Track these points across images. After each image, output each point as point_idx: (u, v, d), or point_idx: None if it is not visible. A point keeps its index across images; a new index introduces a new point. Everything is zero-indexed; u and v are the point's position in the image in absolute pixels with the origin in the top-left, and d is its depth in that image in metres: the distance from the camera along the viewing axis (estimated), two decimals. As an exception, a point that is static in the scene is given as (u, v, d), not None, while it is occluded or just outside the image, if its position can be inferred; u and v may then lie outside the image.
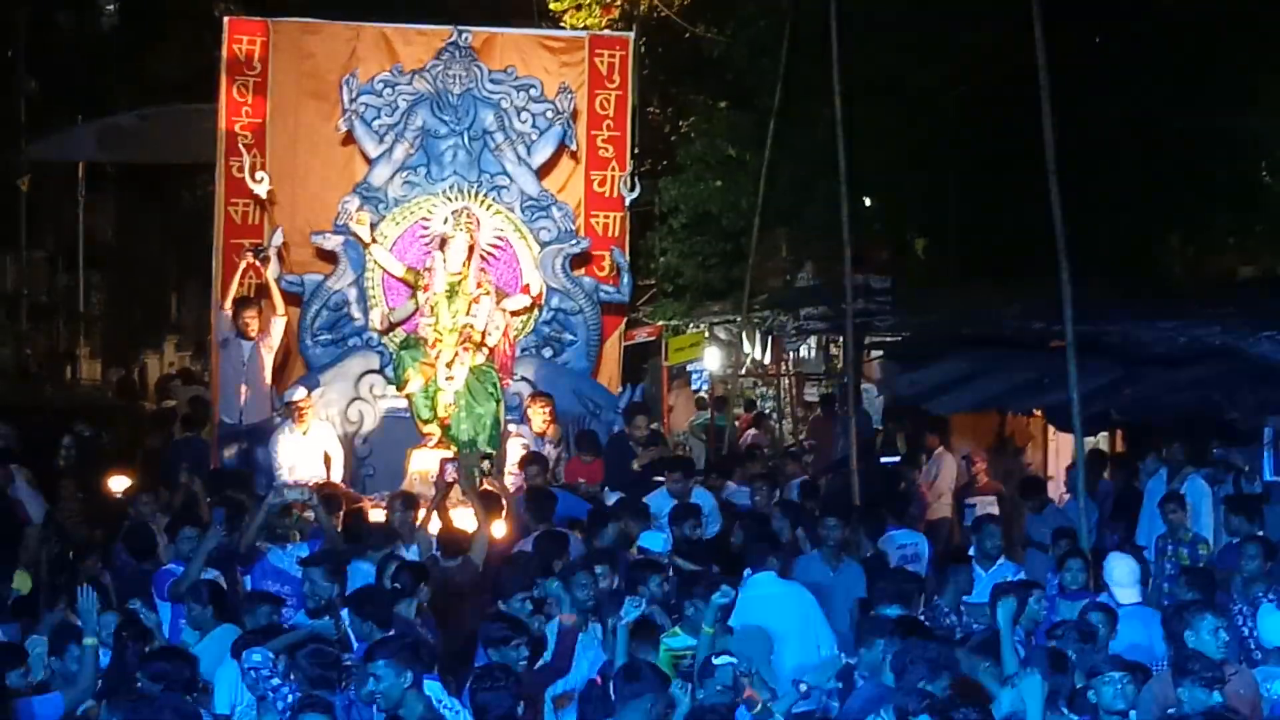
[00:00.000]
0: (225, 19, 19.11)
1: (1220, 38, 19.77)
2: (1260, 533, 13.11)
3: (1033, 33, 14.10)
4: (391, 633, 9.87)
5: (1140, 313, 17.44)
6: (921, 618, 10.82)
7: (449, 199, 17.84)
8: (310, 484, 15.16)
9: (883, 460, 19.06)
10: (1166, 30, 19.85)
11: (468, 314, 16.82)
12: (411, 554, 12.79)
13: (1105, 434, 18.86)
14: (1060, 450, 19.92)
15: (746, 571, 11.86)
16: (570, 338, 18.21)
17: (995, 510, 16.56)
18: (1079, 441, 14.59)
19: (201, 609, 10.98)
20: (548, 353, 18.16)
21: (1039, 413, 19.02)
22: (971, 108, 21.08)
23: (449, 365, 16.63)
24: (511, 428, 16.96)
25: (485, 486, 15.61)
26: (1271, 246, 22.24)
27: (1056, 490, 18.47)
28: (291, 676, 9.09)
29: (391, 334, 17.67)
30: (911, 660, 8.86)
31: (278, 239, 17.74)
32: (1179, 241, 22.84)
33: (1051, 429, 19.88)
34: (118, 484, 16.49)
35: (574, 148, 18.54)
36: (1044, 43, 14.11)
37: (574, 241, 18.21)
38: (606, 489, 15.87)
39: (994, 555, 13.21)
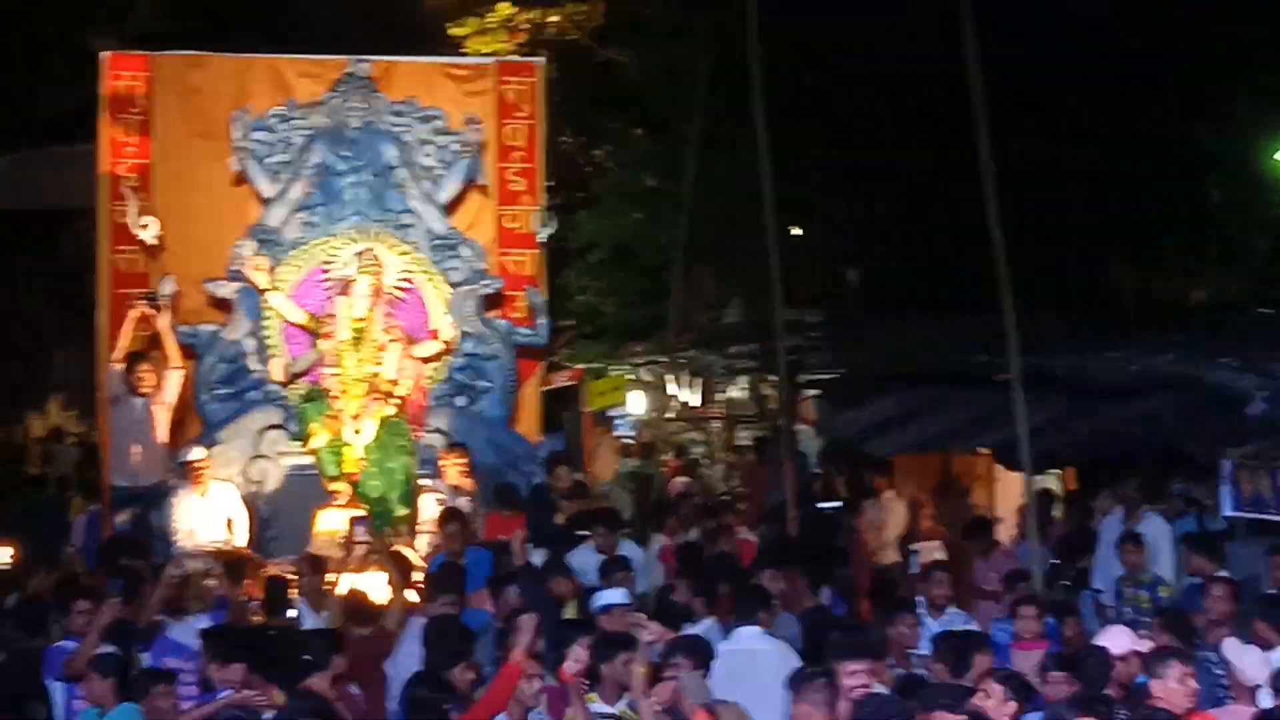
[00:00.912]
0: (104, 54, 18.95)
1: (1165, 54, 20.02)
2: (1224, 572, 13.22)
3: (967, 51, 14.25)
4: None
5: (1088, 342, 17.61)
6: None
7: (351, 240, 17.81)
8: (212, 549, 15.09)
9: (821, 506, 19.10)
10: (1108, 47, 20.08)
11: (375, 362, 16.80)
12: (321, 621, 12.76)
13: (1055, 472, 18.99)
14: (1008, 490, 20.03)
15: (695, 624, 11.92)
16: (485, 384, 18.17)
17: (942, 555, 16.63)
18: (1028, 480, 14.70)
19: (101, 681, 10.88)
20: (462, 401, 18.13)
21: (985, 451, 19.14)
22: (904, 130, 21.25)
23: (356, 418, 16.59)
24: (425, 482, 16.89)
25: (397, 547, 15.62)
26: (1221, 266, 22.51)
27: (1006, 533, 18.56)
28: None
29: (293, 386, 17.60)
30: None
31: (169, 287, 17.55)
32: (1125, 265, 23.07)
33: (999, 468, 19.99)
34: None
35: (483, 182, 18.56)
36: (978, 61, 14.25)
37: (486, 282, 18.21)
38: (529, 545, 15.84)
39: (942, 605, 13.28)
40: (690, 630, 11.83)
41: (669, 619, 12.14)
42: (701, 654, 10.60)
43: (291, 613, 13.64)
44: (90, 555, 16.84)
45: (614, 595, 12.39)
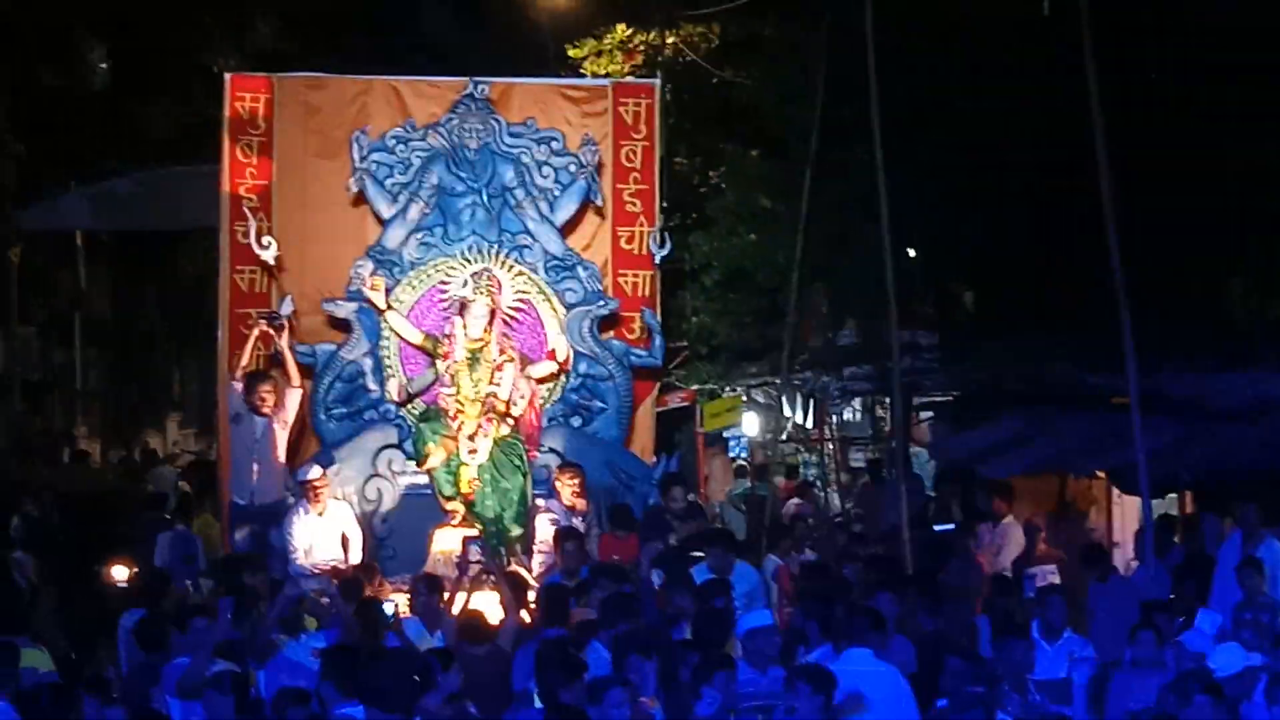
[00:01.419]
0: (227, 75, 19.19)
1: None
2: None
3: (1085, 66, 14.18)
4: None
5: (1205, 364, 17.45)
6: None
7: (468, 261, 17.86)
8: (328, 568, 15.24)
9: (936, 529, 19.03)
10: (1233, 59, 19.87)
11: (491, 382, 16.85)
12: (436, 640, 12.86)
13: (1174, 496, 18.84)
14: (1126, 514, 19.91)
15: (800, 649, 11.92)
16: (600, 405, 18.17)
17: (1057, 579, 16.51)
18: (1146, 505, 14.60)
19: (222, 698, 10.98)
20: (576, 422, 18.15)
21: (1102, 474, 19.02)
22: (1021, 148, 21.12)
23: (472, 438, 16.66)
24: (540, 502, 16.95)
25: (513, 567, 15.71)
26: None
27: (1124, 557, 18.45)
28: None
29: (410, 406, 17.71)
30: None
31: (287, 307, 17.73)
32: (1243, 286, 22.85)
33: (1116, 491, 19.87)
34: (119, 572, 16.67)
35: (599, 203, 18.58)
36: (1096, 76, 14.17)
37: (602, 303, 18.21)
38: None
39: (1059, 628, 13.20)
40: (806, 657, 11.84)
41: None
42: (823, 682, 10.57)
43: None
44: (175, 574, 17.06)
45: (759, 618, 12.37)
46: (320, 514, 16.63)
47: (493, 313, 17.12)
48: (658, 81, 20.32)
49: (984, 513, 18.62)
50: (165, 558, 18.61)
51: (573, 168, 18.30)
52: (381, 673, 11.03)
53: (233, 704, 10.95)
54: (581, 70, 25.70)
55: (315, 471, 16.80)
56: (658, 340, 18.50)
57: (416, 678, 11.01)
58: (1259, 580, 14.11)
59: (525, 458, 16.71)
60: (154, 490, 24.97)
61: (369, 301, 17.55)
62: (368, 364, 17.84)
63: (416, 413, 17.51)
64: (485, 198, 18.16)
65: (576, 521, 16.66)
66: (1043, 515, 19.05)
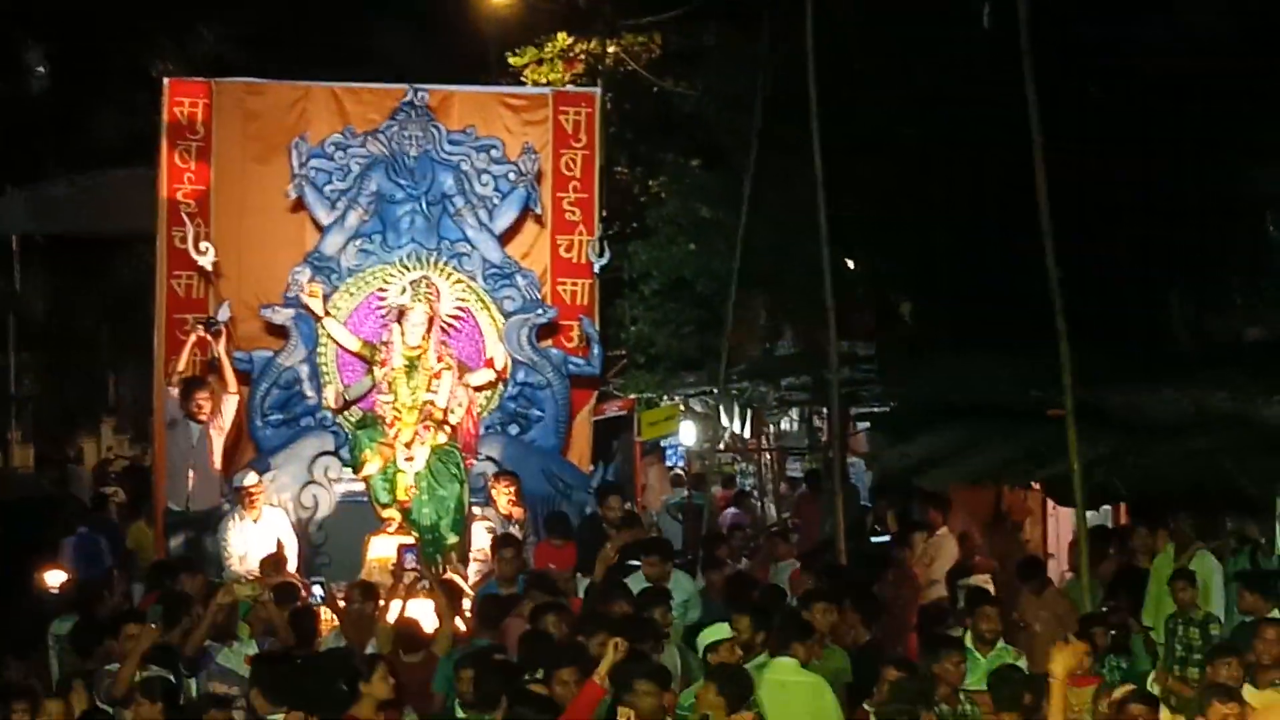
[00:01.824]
0: (165, 80, 19.19)
1: (1230, 92, 19.92)
2: (1278, 613, 13.15)
3: (1024, 84, 14.25)
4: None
5: (1143, 378, 17.52)
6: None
7: (406, 268, 17.85)
8: (261, 575, 15.21)
9: (873, 540, 19.09)
10: (1169, 83, 20.00)
11: (428, 390, 16.82)
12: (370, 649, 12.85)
13: (1109, 508, 18.92)
14: (1061, 526, 19.99)
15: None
16: (538, 414, 18.20)
17: (989, 588, 16.56)
18: (1081, 516, 14.65)
19: (150, 705, 10.94)
20: (514, 430, 18.17)
21: (1037, 486, 19.08)
22: (960, 163, 21.20)
23: (409, 445, 16.63)
24: (476, 510, 16.95)
25: (448, 574, 15.68)
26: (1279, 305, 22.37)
27: (1058, 569, 18.52)
28: None
29: (347, 413, 17.70)
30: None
31: (224, 313, 17.71)
32: (1181, 301, 22.96)
33: (1051, 503, 19.94)
34: (52, 578, 16.60)
35: (539, 211, 18.64)
36: (1036, 95, 14.24)
37: (540, 311, 18.25)
38: (579, 575, 15.87)
39: (991, 640, 13.23)
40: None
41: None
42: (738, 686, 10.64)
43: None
44: (87, 579, 16.98)
45: (720, 630, 12.35)
46: (256, 520, 16.62)
47: (431, 320, 17.11)
48: (598, 90, 20.43)
49: (919, 524, 18.67)
50: (71, 561, 18.49)
51: (512, 176, 18.34)
52: (312, 680, 11.05)
53: (161, 710, 10.90)
54: (522, 79, 25.72)
55: (251, 478, 16.82)
56: (596, 349, 18.56)
57: (345, 686, 11.04)
58: (1192, 593, 14.19)
59: (462, 466, 16.68)
60: (62, 492, 24.97)
61: (307, 308, 17.54)
62: (305, 371, 17.84)
63: (354, 420, 17.49)
64: (424, 205, 18.20)
65: (513, 529, 16.65)
66: (978, 525, 19.13)
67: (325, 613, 15.01)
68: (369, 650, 12.85)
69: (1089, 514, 15.50)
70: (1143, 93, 20.03)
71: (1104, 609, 14.58)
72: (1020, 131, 14.61)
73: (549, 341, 18.50)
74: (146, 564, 18.00)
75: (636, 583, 14.64)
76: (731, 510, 24.20)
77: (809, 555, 17.85)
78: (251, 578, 15.52)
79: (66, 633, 13.98)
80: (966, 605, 14.46)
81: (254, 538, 16.54)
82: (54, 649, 14.61)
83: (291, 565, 16.38)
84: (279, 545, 16.43)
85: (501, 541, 15.67)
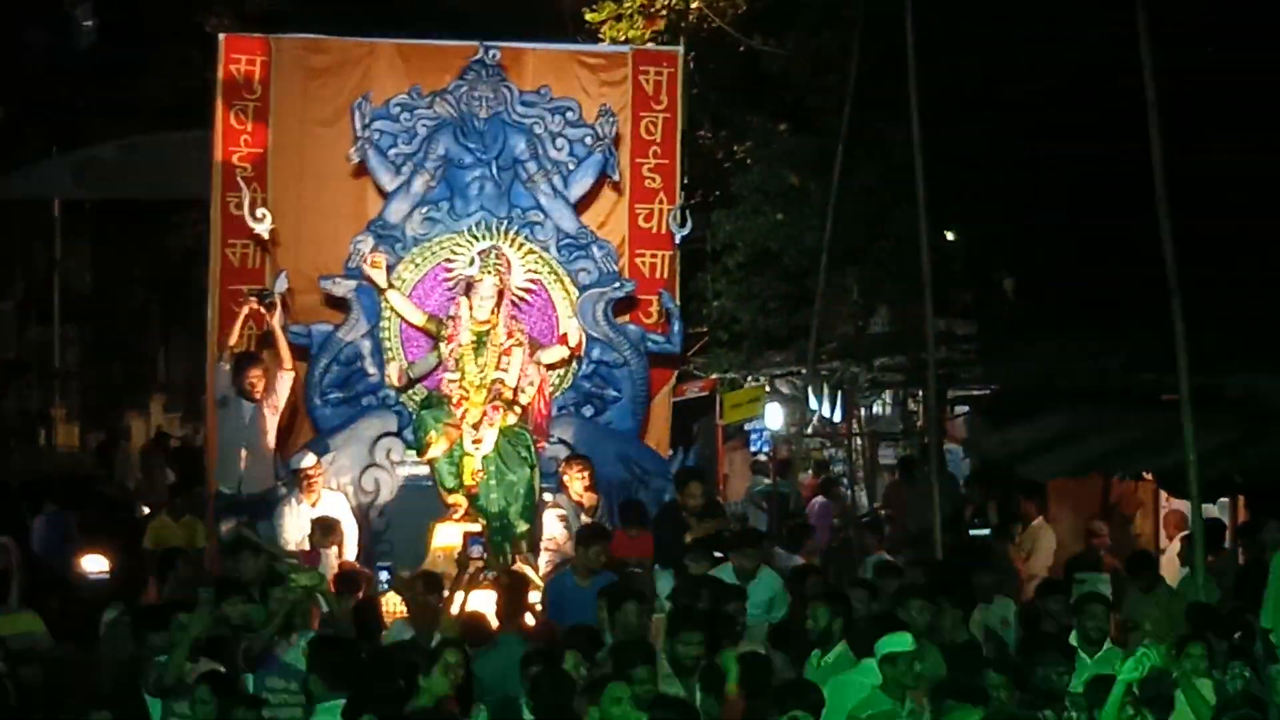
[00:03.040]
0: (221, 36, 19.20)
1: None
2: None
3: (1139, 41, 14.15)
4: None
5: (1264, 361, 17.40)
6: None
7: (475, 238, 17.85)
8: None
9: (971, 532, 19.01)
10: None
11: (497, 368, 16.85)
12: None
13: (1226, 500, 18.81)
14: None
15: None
16: (614, 394, 18.18)
17: (1108, 591, 16.41)
18: (1196, 509, 14.57)
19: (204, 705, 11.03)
20: (588, 411, 18.16)
21: (1149, 476, 18.99)
22: (1070, 129, 21.06)
23: (476, 426, 16.66)
24: (547, 497, 16.96)
25: (517, 565, 15.72)
26: None
27: (1170, 564, 18.41)
28: None
29: (411, 391, 17.74)
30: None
31: (282, 284, 17.76)
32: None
33: (1164, 495, 19.84)
34: (92, 564, 16.83)
35: (616, 178, 18.61)
36: (1152, 51, 14.14)
37: (617, 284, 18.22)
38: (657, 567, 15.88)
39: (1098, 640, 13.16)
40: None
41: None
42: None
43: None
44: (56, 559, 17.18)
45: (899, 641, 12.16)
46: (314, 505, 16.65)
47: (501, 293, 17.13)
48: (681, 49, 20.31)
49: (1018, 515, 18.62)
50: (41, 542, 18.64)
51: (589, 140, 18.31)
52: (373, 673, 11.14)
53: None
54: (599, 36, 25.66)
55: (310, 460, 16.85)
56: (676, 325, 18.50)
57: (404, 680, 11.13)
58: (1316, 592, 14.09)
59: (533, 449, 16.69)
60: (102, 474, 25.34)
61: (369, 280, 17.57)
62: (366, 346, 17.86)
63: (418, 399, 17.54)
64: (495, 170, 18.18)
65: (585, 519, 16.61)
66: (1088, 519, 19.02)
67: (390, 601, 15.08)
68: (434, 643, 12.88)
69: (1205, 506, 15.41)
70: (1271, 52, 19.84)
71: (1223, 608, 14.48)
72: (1135, 92, 14.51)
73: (626, 317, 18.48)
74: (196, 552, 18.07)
75: (724, 576, 14.64)
76: (819, 499, 24.17)
77: (903, 547, 17.82)
78: (299, 550, 15.61)
79: (111, 620, 14.14)
80: (1076, 604, 14.33)
81: (311, 524, 16.56)
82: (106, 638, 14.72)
83: (350, 553, 16.45)
84: (335, 523, 16.41)
85: (591, 534, 15.46)
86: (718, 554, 15.53)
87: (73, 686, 13.20)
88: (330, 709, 10.74)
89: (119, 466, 27.67)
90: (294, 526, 16.58)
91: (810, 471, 26.20)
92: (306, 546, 16.22)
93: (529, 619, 13.95)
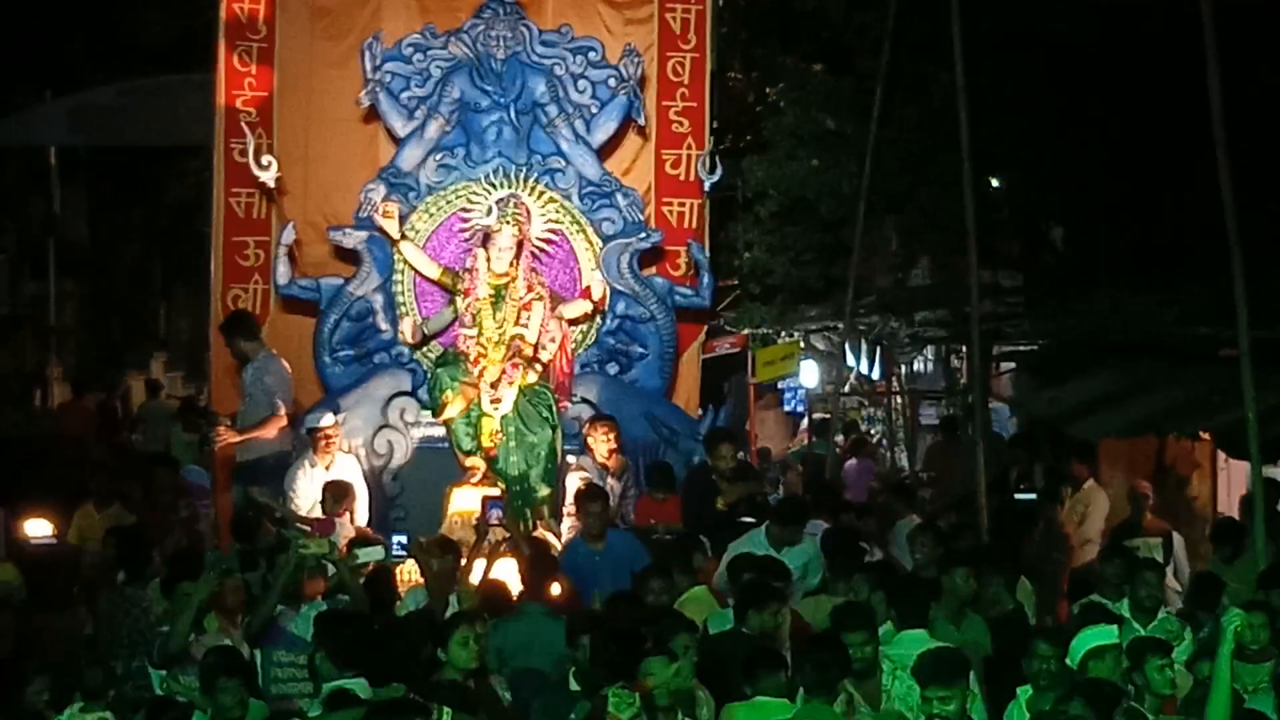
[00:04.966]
0: (222, -28, 19.26)
1: None
2: None
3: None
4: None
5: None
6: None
7: (493, 185, 17.89)
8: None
9: (1017, 495, 19.03)
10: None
11: (517, 323, 16.87)
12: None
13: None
14: (1233, 481, 19.88)
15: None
16: (640, 350, 18.19)
17: (1160, 557, 16.42)
18: (1256, 470, 14.57)
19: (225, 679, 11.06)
20: (613, 369, 18.18)
21: (1206, 436, 18.99)
22: (1121, 67, 21.02)
23: (495, 385, 16.70)
24: (571, 459, 17.00)
25: (539, 531, 15.76)
26: None
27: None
28: None
29: (426, 348, 17.77)
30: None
31: (288, 236, 17.79)
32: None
33: (1222, 455, 19.84)
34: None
35: (642, 122, 18.58)
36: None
37: (643, 234, 18.22)
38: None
39: (1151, 609, 13.18)
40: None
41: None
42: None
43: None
44: None
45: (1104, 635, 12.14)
46: (328, 468, 16.60)
47: (520, 244, 17.14)
48: (710, -16, 20.27)
49: (1066, 477, 18.62)
50: None
51: (612, 81, 18.30)
52: (388, 647, 11.17)
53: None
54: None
55: (327, 419, 16.75)
56: (706, 278, 18.49)
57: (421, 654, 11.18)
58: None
59: (555, 409, 16.73)
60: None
61: (381, 230, 17.59)
62: (378, 301, 17.89)
63: (433, 356, 17.57)
64: (513, 114, 18.17)
65: (610, 481, 16.66)
66: (1142, 481, 19.01)
67: (405, 570, 15.13)
68: (450, 612, 12.92)
69: (1266, 468, 15.41)
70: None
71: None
72: (1191, 25, 14.47)
73: (653, 269, 18.49)
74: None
75: (755, 544, 14.65)
76: (852, 462, 24.21)
77: (945, 511, 17.82)
78: (312, 519, 15.64)
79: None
80: (1128, 571, 14.34)
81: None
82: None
83: (362, 519, 16.46)
84: (348, 487, 16.41)
85: (588, 494, 15.60)
86: (748, 519, 15.57)
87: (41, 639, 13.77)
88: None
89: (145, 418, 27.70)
90: (307, 490, 16.52)
91: (844, 433, 26.21)
92: (319, 513, 16.22)
93: (555, 588, 13.94)
